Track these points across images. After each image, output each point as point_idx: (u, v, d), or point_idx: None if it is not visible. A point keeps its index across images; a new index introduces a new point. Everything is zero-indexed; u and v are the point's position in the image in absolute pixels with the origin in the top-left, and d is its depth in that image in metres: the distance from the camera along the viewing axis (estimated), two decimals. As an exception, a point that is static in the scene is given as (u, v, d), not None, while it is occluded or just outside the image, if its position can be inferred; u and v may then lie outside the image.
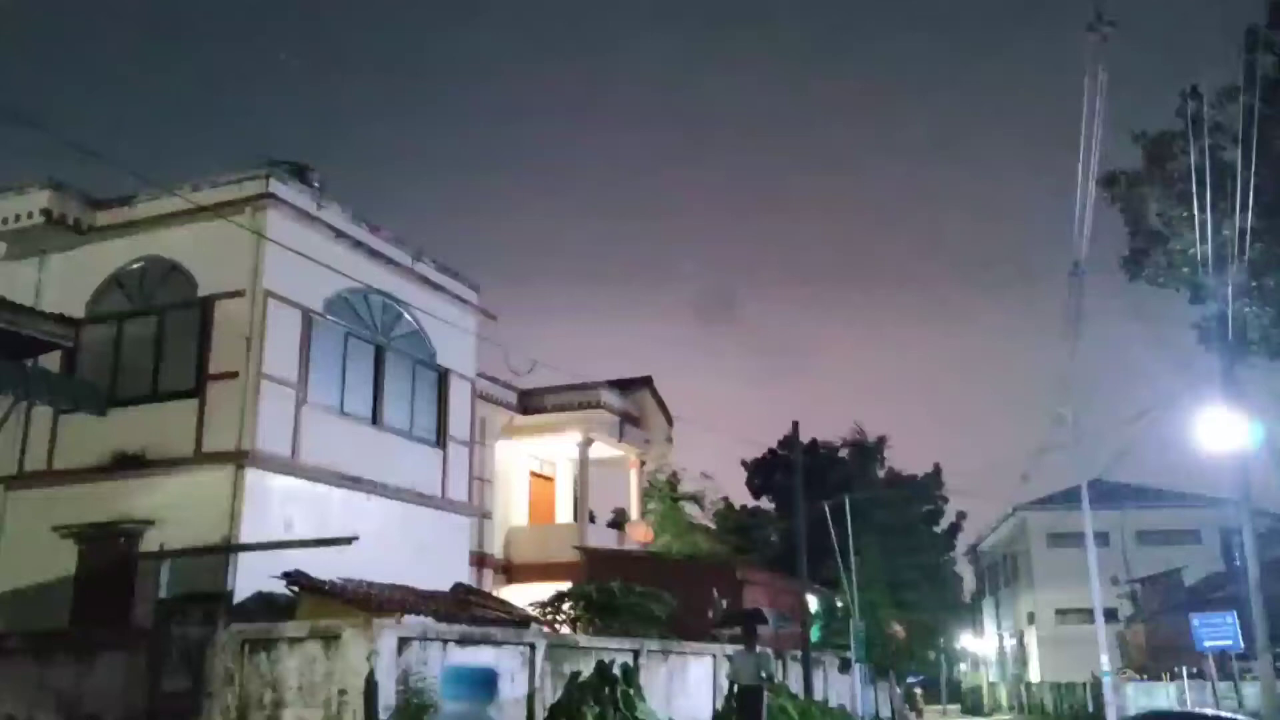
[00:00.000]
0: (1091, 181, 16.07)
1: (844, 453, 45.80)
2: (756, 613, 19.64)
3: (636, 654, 15.66)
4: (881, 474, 43.65)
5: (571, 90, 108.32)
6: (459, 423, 18.88)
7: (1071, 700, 34.92)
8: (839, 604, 33.08)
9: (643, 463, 28.94)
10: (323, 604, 12.91)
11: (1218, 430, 16.84)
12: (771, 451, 45.81)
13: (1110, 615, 31.90)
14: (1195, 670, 24.17)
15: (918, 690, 46.14)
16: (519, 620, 16.06)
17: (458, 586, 17.22)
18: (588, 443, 25.72)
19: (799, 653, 22.27)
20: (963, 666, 60.68)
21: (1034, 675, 45.43)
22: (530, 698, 13.10)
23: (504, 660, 12.78)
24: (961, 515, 48.17)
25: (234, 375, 14.56)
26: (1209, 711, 19.63)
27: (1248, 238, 16.14)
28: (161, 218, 15.57)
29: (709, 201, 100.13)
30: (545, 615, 18.33)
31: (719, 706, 17.89)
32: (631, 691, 13.96)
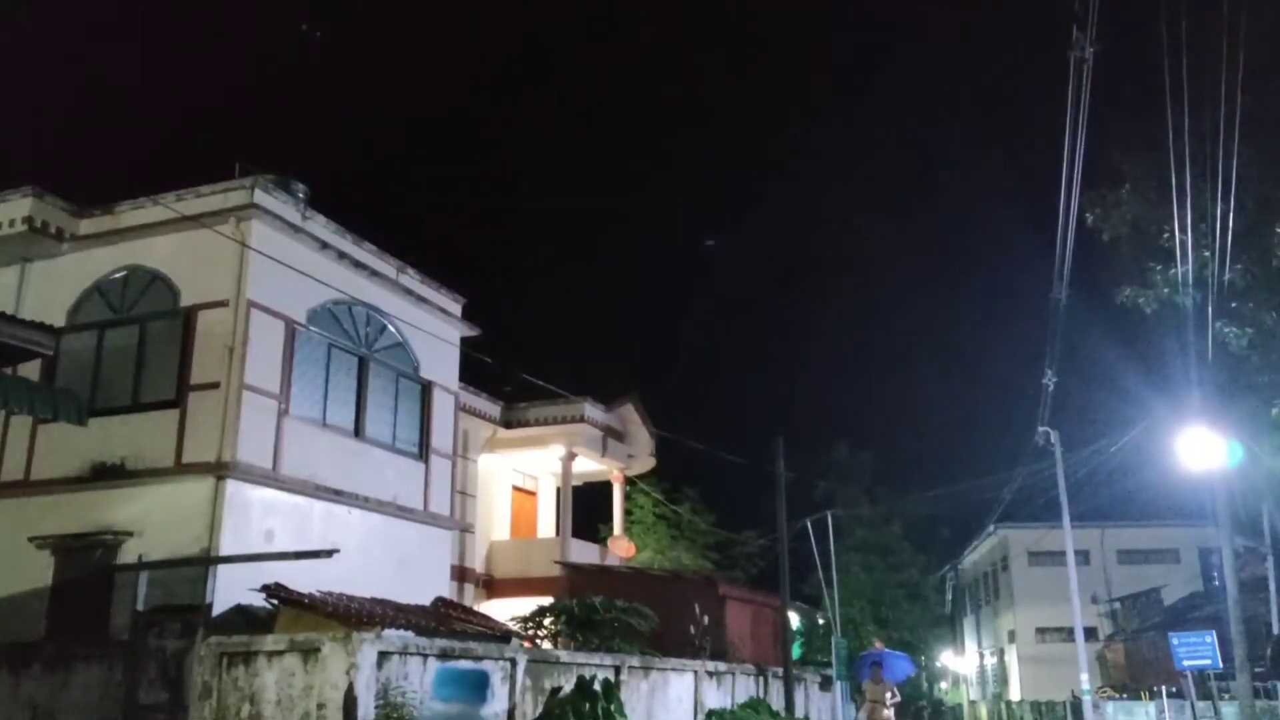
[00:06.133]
0: (1074, 203, 16.24)
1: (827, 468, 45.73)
2: None
3: (618, 670, 15.62)
4: (865, 490, 43.63)
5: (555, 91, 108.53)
6: (442, 436, 18.84)
7: (1052, 719, 34.98)
8: (820, 621, 33.10)
9: (626, 477, 28.93)
10: (302, 617, 12.84)
11: (1198, 450, 16.98)
12: (755, 465, 45.74)
13: (1090, 634, 32.03)
14: (1174, 689, 24.25)
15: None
16: (500, 635, 16.00)
17: (438, 600, 17.17)
18: (571, 457, 25.71)
19: (780, 669, 22.25)
20: (943, 684, 60.72)
21: (1014, 694, 45.47)
22: (510, 713, 13.05)
23: (484, 675, 12.70)
24: (944, 532, 48.20)
25: (215, 386, 14.48)
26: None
27: (1227, 259, 16.29)
28: (145, 227, 15.52)
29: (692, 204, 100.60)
30: (526, 630, 18.28)
31: (700, 723, 17.86)
32: (612, 707, 13.91)
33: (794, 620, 27.08)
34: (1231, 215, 15.34)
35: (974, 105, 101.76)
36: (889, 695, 21.12)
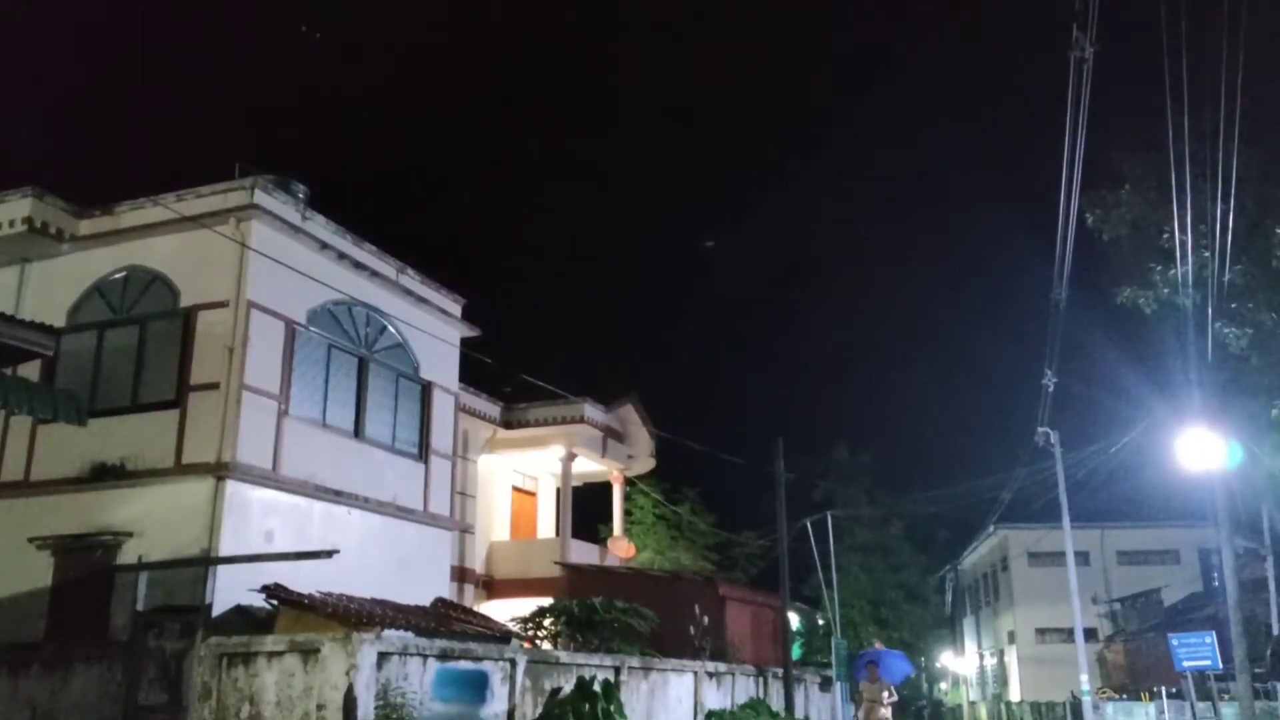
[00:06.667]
0: (1074, 204, 16.23)
1: (827, 468, 45.73)
2: None
3: (617, 670, 15.63)
4: (865, 490, 43.64)
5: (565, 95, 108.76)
6: (442, 436, 18.84)
7: (1051, 719, 34.98)
8: (820, 621, 33.12)
9: (626, 477, 28.93)
10: (302, 618, 12.84)
11: (1197, 451, 16.98)
12: (755, 466, 45.69)
13: (1090, 634, 32.02)
14: (1174, 690, 24.26)
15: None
16: (499, 635, 16.00)
17: (438, 601, 17.16)
18: (570, 457, 25.72)
19: (780, 670, 22.26)
20: (943, 685, 60.71)
21: (1014, 694, 45.48)
22: (510, 714, 13.05)
23: (484, 675, 12.69)
24: (943, 532, 48.20)
25: (215, 386, 14.48)
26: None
27: (1227, 260, 16.30)
28: (145, 227, 15.52)
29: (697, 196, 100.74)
30: (526, 631, 18.28)
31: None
32: (612, 708, 13.91)
33: (794, 621, 27.09)
34: (1231, 216, 15.34)
35: (975, 105, 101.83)
36: (886, 695, 20.70)
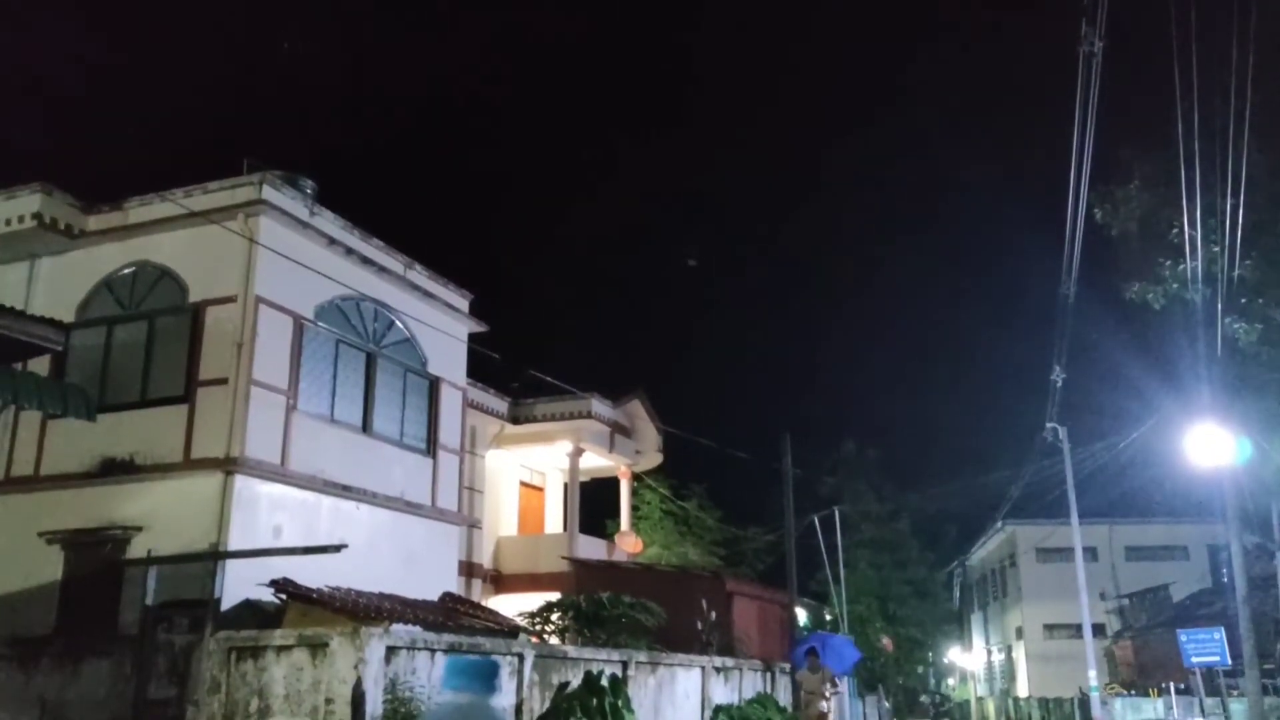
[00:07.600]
0: (1083, 199, 16.17)
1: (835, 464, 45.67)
2: None
3: (625, 665, 15.65)
4: (873, 486, 43.56)
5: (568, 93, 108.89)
6: (449, 431, 18.86)
7: (1060, 715, 34.93)
8: (828, 617, 33.13)
9: (634, 473, 28.94)
10: (310, 612, 12.87)
11: (1206, 447, 16.92)
12: (762, 462, 45.64)
13: (1098, 630, 31.98)
14: (1183, 686, 24.22)
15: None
16: (507, 630, 16.02)
17: (446, 596, 17.20)
18: (578, 453, 25.74)
19: (787, 665, 22.26)
20: (950, 681, 60.67)
21: (1022, 690, 45.43)
22: (518, 708, 13.05)
23: (492, 670, 12.71)
24: (951, 528, 48.15)
25: (224, 381, 14.50)
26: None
27: (1237, 255, 16.22)
28: (153, 223, 15.54)
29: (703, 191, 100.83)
30: (534, 625, 18.30)
31: (707, 719, 17.89)
32: (619, 703, 13.91)
33: (801, 616, 27.10)
34: (1241, 211, 15.27)
35: (984, 103, 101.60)
36: (828, 687, 18.73)
